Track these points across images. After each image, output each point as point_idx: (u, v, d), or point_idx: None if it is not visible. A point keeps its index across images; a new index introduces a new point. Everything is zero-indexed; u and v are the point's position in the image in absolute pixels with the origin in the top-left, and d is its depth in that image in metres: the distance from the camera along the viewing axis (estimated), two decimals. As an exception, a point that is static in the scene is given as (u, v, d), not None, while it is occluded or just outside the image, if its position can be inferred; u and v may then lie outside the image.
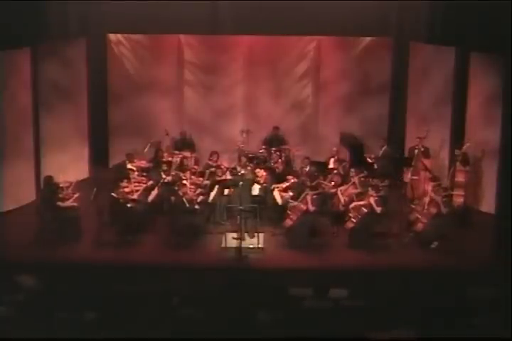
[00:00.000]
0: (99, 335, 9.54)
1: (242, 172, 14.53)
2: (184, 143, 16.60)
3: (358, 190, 14.13)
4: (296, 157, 16.47)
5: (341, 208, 14.16)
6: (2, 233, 13.68)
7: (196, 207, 13.74)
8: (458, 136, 15.64)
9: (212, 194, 14.19)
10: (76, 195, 13.81)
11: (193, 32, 16.97)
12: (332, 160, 15.77)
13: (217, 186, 14.40)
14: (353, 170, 14.76)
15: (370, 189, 13.75)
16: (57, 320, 9.79)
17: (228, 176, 14.79)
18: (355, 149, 16.31)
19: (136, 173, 14.90)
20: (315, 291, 10.62)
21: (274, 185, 14.49)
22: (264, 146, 16.57)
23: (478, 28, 14.33)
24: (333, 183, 14.64)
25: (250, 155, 15.97)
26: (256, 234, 13.62)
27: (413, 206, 14.14)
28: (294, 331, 9.60)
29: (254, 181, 14.41)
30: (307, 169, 15.14)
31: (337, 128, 17.18)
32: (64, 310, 9.98)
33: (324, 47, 17.28)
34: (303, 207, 13.55)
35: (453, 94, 15.87)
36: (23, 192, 15.12)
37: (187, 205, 13.55)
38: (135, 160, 15.56)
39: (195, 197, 13.89)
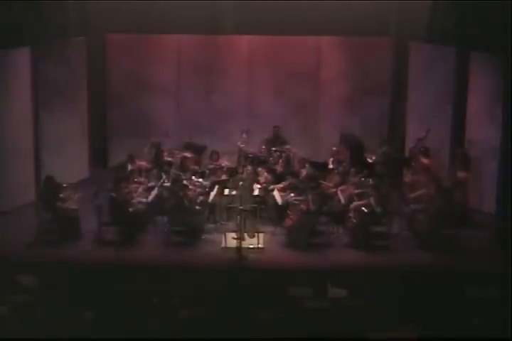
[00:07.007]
0: (99, 335, 9.56)
1: (242, 172, 14.52)
2: (188, 147, 16.50)
3: (358, 190, 14.13)
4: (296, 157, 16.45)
5: (341, 208, 14.15)
6: (2, 233, 13.68)
7: (196, 207, 13.73)
8: (458, 135, 15.63)
9: (212, 194, 14.17)
10: (76, 196, 13.81)
11: (193, 32, 16.97)
12: (332, 160, 15.75)
13: (217, 186, 14.39)
14: (353, 170, 14.77)
15: (370, 189, 13.75)
16: (57, 320, 9.81)
17: (228, 176, 14.78)
18: (355, 149, 16.30)
19: (137, 174, 14.89)
20: (315, 291, 10.64)
21: (272, 186, 14.49)
22: (264, 146, 16.54)
23: (478, 28, 14.33)
24: (333, 183, 14.64)
25: (250, 156, 15.95)
26: (256, 234, 13.61)
27: (413, 206, 14.13)
28: (294, 331, 9.62)
29: (255, 181, 14.41)
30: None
31: (337, 128, 17.17)
32: (64, 310, 10.00)
33: (324, 47, 17.28)
34: (303, 207, 13.55)
35: (453, 94, 15.86)
36: (23, 192, 15.11)
37: (187, 205, 13.55)
38: (135, 161, 15.55)
39: (195, 198, 13.88)
